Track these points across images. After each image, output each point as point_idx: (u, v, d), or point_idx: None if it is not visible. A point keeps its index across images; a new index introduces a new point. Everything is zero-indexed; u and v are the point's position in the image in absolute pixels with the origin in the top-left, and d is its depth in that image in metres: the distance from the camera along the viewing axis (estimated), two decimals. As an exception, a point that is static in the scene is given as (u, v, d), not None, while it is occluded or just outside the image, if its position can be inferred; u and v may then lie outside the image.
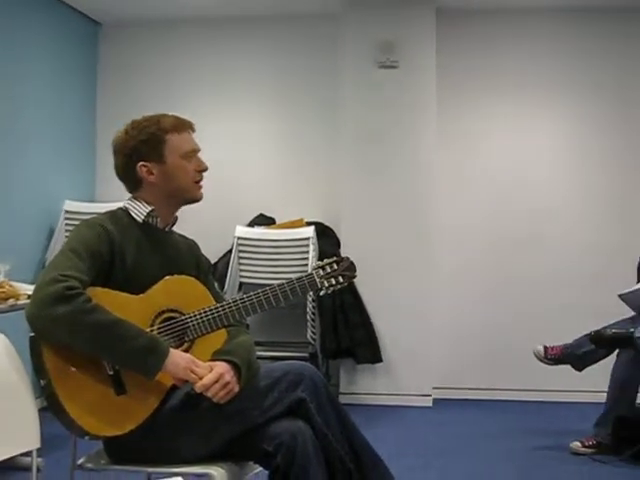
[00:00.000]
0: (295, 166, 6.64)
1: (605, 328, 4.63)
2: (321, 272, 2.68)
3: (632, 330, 4.40)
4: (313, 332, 5.76)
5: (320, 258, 5.63)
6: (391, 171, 6.16)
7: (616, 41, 6.35)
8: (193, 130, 2.73)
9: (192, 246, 2.87)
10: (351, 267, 2.74)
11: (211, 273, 2.95)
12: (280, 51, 6.64)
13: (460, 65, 6.45)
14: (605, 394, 4.78)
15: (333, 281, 2.69)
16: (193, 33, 6.70)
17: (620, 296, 4.72)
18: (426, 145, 6.17)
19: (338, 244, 6.23)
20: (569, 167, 6.42)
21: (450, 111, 6.39)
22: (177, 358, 2.42)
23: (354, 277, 2.75)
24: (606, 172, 6.37)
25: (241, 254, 5.98)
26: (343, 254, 5.76)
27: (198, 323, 2.55)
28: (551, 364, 4.89)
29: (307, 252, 5.78)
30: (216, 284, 2.91)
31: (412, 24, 6.16)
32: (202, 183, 2.72)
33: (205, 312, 2.57)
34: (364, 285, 5.96)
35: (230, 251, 6.04)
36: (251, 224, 6.32)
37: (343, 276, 2.71)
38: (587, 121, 6.43)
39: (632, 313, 4.74)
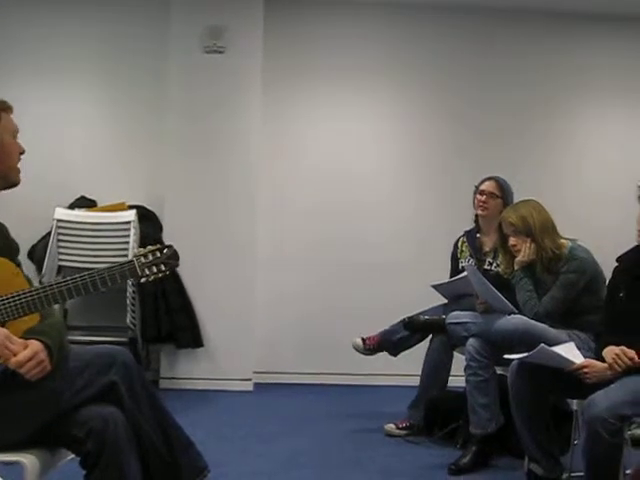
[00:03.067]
0: (119, 148, 6.52)
1: (419, 314, 4.79)
2: (142, 260, 2.62)
3: (444, 317, 4.56)
4: (133, 317, 5.69)
5: (142, 242, 5.58)
6: (215, 155, 6.17)
7: (435, 36, 6.69)
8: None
9: (1, 229, 2.76)
10: (174, 256, 2.69)
11: (18, 256, 2.85)
12: (107, 32, 6.46)
13: (287, 53, 6.54)
14: (419, 378, 4.95)
15: (155, 269, 2.64)
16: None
17: (433, 286, 4.90)
18: (251, 130, 6.22)
19: (161, 228, 6.17)
20: (393, 158, 6.70)
21: (276, 95, 6.48)
22: None
23: (176, 266, 2.71)
24: (424, 157, 6.70)
25: (61, 237, 5.82)
26: (165, 239, 5.75)
27: (11, 306, 2.46)
28: (371, 354, 5.03)
29: (128, 236, 5.69)
30: (21, 266, 2.80)
31: (240, 11, 6.18)
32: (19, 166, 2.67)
33: (19, 295, 2.48)
34: (186, 270, 5.88)
35: (49, 233, 5.87)
36: (72, 206, 6.16)
37: (165, 264, 2.65)
38: (405, 104, 6.71)
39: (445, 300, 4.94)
